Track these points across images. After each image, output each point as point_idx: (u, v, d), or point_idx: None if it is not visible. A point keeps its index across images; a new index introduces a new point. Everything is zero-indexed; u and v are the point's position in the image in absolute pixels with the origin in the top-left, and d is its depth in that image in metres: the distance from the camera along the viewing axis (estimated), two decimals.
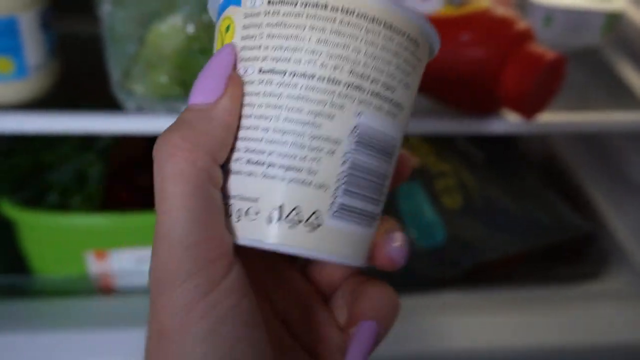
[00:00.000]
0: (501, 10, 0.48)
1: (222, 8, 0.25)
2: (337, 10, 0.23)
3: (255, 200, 0.23)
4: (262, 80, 0.23)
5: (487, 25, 0.47)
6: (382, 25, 0.23)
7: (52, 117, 0.45)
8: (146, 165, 0.62)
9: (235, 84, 0.23)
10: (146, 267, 0.40)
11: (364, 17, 0.23)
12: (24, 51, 0.46)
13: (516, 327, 0.55)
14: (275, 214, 0.23)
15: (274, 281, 0.28)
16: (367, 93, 0.23)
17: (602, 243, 0.64)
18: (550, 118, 0.51)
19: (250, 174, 0.23)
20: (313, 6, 0.23)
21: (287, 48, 0.23)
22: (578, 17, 0.61)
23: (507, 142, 0.68)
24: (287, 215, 0.23)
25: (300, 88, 0.23)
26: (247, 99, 0.23)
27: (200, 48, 0.41)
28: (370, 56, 0.23)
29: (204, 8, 0.41)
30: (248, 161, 0.23)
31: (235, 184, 0.23)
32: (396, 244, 0.25)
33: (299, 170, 0.23)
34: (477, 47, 0.47)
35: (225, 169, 0.24)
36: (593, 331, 0.55)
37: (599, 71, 0.65)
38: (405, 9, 0.24)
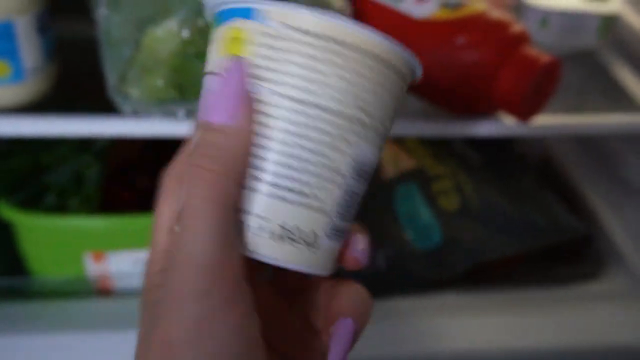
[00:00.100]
0: (497, 13, 0.48)
1: (228, 15, 0.25)
2: (357, 50, 0.24)
3: (262, 217, 0.24)
4: (277, 104, 0.24)
5: (482, 29, 0.47)
6: (392, 68, 0.25)
7: (49, 120, 0.45)
8: (143, 167, 0.62)
9: (252, 104, 0.24)
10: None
11: (376, 58, 0.25)
12: (21, 55, 0.46)
13: (514, 328, 0.55)
14: (280, 232, 0.24)
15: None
16: (368, 128, 0.25)
17: (599, 244, 0.64)
18: (547, 120, 0.51)
19: (257, 190, 0.24)
20: (335, 42, 0.24)
21: (305, 78, 0.24)
22: (574, 19, 0.61)
23: (503, 144, 0.68)
24: (291, 234, 0.25)
25: (314, 118, 0.24)
26: (259, 119, 0.24)
27: (195, 52, 0.41)
28: (375, 94, 0.25)
29: (198, 13, 0.41)
30: (255, 178, 0.24)
31: (245, 200, 0.25)
32: (361, 247, 0.27)
33: (304, 195, 0.24)
34: (473, 50, 0.47)
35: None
36: (590, 332, 0.55)
37: (595, 73, 0.65)
38: (404, 50, 0.25)
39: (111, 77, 0.44)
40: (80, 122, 0.45)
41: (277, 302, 0.29)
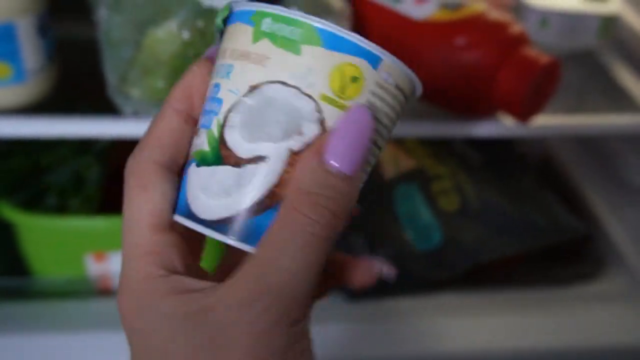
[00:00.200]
0: (496, 14, 0.49)
1: (344, 47, 0.24)
2: (398, 88, 0.26)
3: None
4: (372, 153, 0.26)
5: (482, 29, 0.47)
6: (403, 92, 0.26)
7: (50, 121, 0.45)
8: None
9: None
10: None
11: (401, 90, 0.26)
12: (22, 56, 0.46)
13: (514, 328, 0.55)
14: None
15: None
16: (377, 148, 0.26)
17: (599, 244, 0.64)
18: (547, 121, 0.51)
19: None
20: (394, 87, 0.25)
21: (382, 120, 0.26)
22: (574, 19, 0.61)
23: (504, 145, 0.68)
24: None
25: (373, 154, 0.26)
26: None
27: (195, 54, 0.41)
28: (390, 119, 0.26)
29: (198, 14, 0.41)
30: None
31: None
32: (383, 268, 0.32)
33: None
34: (472, 50, 0.47)
35: None
36: (590, 332, 0.55)
37: (595, 73, 0.65)
38: (413, 74, 0.26)
39: (111, 78, 0.44)
40: (81, 123, 0.45)
41: None
